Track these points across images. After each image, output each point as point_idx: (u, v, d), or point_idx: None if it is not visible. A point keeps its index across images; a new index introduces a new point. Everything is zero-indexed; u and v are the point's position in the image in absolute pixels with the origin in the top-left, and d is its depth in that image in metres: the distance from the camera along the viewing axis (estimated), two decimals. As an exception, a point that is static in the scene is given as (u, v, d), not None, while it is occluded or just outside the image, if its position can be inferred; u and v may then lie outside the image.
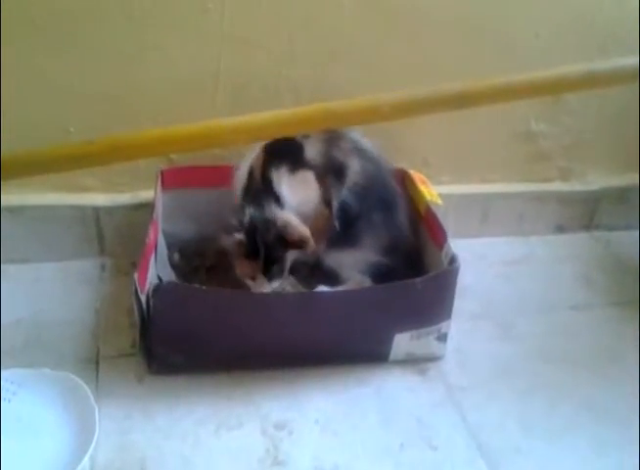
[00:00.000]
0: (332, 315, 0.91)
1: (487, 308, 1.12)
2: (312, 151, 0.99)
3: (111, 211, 1.12)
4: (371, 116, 0.94)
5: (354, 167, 1.00)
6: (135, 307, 0.92)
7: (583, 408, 0.92)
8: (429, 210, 1.05)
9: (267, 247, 0.93)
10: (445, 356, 0.99)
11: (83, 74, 1.01)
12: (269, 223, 0.92)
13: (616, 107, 1.25)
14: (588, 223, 1.36)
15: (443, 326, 0.96)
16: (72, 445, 0.77)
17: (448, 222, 1.01)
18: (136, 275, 0.90)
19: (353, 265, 1.01)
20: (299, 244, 0.92)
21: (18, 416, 0.80)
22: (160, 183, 1.06)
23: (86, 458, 0.73)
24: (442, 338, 0.97)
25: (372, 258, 1.01)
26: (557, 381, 0.97)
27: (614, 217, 1.35)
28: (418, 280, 0.92)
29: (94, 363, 0.91)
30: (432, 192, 1.09)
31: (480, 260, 1.23)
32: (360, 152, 1.02)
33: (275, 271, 0.94)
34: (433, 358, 0.98)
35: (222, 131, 0.91)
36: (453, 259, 0.94)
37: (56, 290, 1.03)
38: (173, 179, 1.09)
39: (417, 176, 1.13)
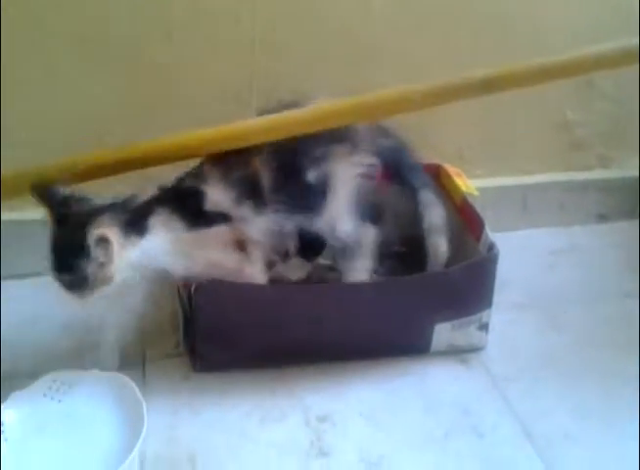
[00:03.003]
0: (371, 306, 0.91)
1: (531, 299, 1.10)
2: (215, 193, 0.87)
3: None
4: (402, 105, 0.95)
5: (265, 175, 0.90)
6: (178, 307, 0.94)
7: (634, 393, 0.90)
8: (465, 201, 1.04)
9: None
10: (488, 347, 0.98)
11: (120, 86, 1.04)
12: None
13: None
14: (631, 210, 1.33)
15: (484, 315, 0.95)
16: (122, 439, 0.78)
17: (487, 216, 1.00)
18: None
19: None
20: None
21: (69, 415, 0.82)
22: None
23: (135, 451, 0.75)
24: (484, 328, 0.96)
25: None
26: (605, 367, 0.95)
27: (658, 203, 1.32)
28: (456, 268, 0.92)
29: (140, 365, 0.93)
30: (467, 184, 1.09)
31: (521, 252, 1.21)
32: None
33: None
34: (475, 349, 0.97)
35: (258, 129, 0.93)
36: (491, 247, 0.93)
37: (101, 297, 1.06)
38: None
39: (451, 169, 1.13)
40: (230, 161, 0.89)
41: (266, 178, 0.90)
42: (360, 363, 0.93)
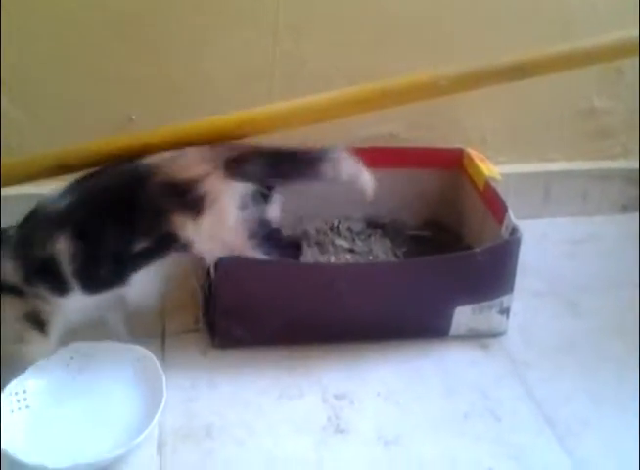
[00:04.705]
0: (391, 287, 0.91)
1: (552, 286, 1.09)
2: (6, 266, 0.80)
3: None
4: (429, 91, 0.94)
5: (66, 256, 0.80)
6: (199, 282, 0.94)
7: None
8: (487, 185, 1.03)
9: None
10: (508, 332, 0.97)
11: (145, 64, 1.04)
12: None
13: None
14: (655, 201, 1.31)
15: (505, 300, 0.95)
16: (141, 410, 0.79)
17: (509, 203, 0.99)
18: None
19: None
20: None
21: (89, 385, 0.83)
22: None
23: (154, 421, 0.75)
24: (505, 312, 0.96)
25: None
26: (625, 355, 0.94)
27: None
28: (478, 251, 0.91)
29: (160, 339, 0.94)
30: (490, 168, 1.08)
31: (542, 240, 1.20)
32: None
33: None
34: (495, 334, 0.97)
35: (282, 115, 0.93)
36: (514, 231, 0.92)
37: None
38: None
39: (475, 154, 1.12)
40: (30, 236, 0.81)
41: (67, 258, 0.80)
42: (379, 344, 0.93)
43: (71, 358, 0.84)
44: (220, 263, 0.87)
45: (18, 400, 0.78)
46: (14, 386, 0.79)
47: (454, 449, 0.80)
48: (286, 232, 1.13)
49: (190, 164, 0.84)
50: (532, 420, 0.84)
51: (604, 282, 1.11)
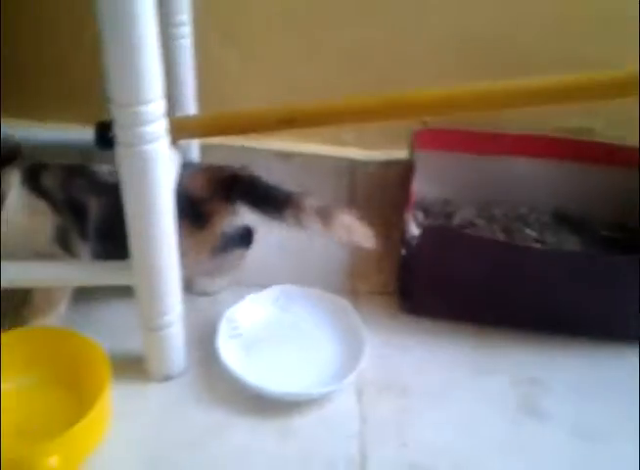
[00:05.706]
0: (596, 282, 0.87)
1: None
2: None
3: (365, 165, 1.17)
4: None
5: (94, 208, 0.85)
6: (400, 247, 0.96)
7: None
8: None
9: None
10: None
11: (337, 36, 1.05)
12: None
13: None
14: None
15: None
16: (342, 356, 0.82)
17: None
18: (405, 215, 0.94)
19: None
20: None
21: (294, 324, 0.87)
22: (413, 143, 1.09)
23: (358, 368, 0.78)
24: None
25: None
26: None
27: None
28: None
29: (349, 297, 0.95)
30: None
31: None
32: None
33: None
34: (695, 348, 0.91)
35: (476, 96, 0.91)
36: None
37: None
38: (425, 141, 1.11)
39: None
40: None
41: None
42: (572, 338, 0.90)
43: (277, 298, 0.88)
44: (426, 232, 0.87)
45: (233, 328, 0.83)
46: (229, 314, 0.84)
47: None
48: (469, 214, 1.13)
49: None
50: None
51: None
